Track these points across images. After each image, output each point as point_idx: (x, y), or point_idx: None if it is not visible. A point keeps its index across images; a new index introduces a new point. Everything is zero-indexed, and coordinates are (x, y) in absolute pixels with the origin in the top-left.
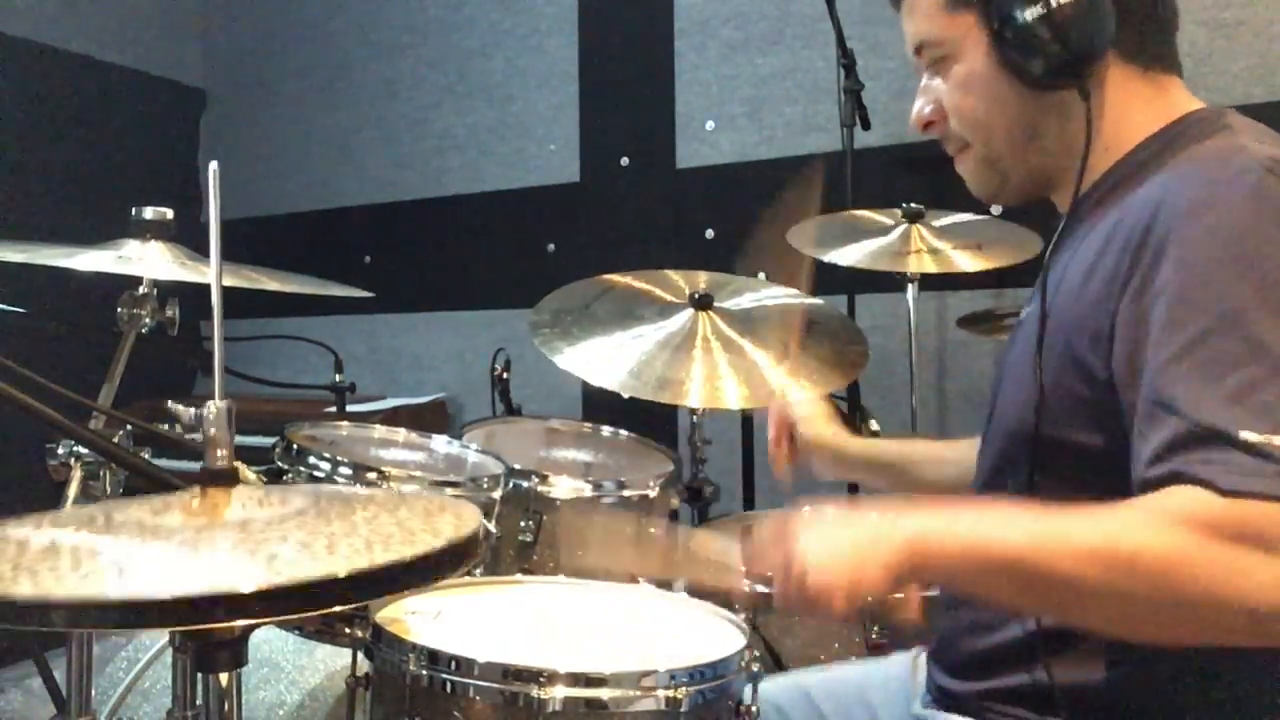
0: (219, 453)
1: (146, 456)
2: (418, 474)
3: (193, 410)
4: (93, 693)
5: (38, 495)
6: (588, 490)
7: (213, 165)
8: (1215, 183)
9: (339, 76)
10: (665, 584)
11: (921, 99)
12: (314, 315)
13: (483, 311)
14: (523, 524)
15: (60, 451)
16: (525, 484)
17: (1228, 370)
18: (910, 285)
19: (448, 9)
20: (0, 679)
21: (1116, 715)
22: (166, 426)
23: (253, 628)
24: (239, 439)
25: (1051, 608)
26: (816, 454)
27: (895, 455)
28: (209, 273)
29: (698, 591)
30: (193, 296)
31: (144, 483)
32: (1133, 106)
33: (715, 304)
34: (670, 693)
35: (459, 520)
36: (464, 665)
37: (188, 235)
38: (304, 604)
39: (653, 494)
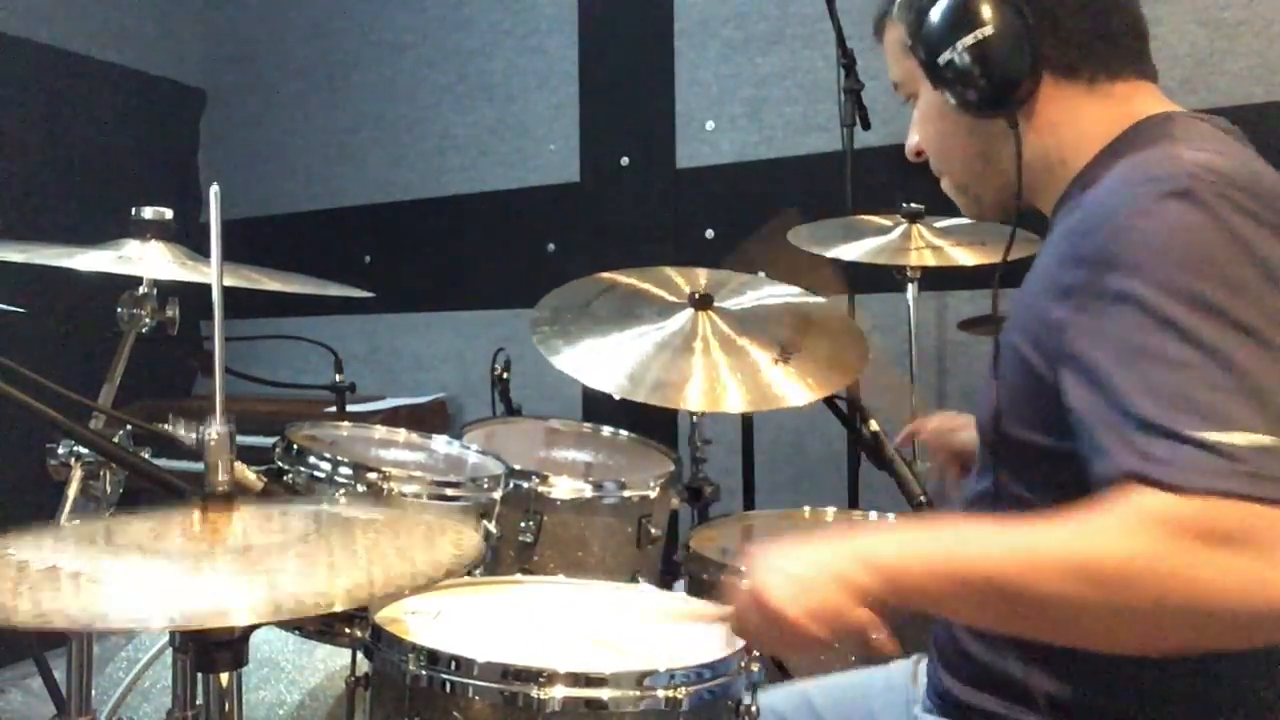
0: (220, 477)
1: (146, 456)
2: (418, 474)
3: (193, 435)
4: (93, 693)
5: (38, 495)
6: (588, 490)
7: (214, 189)
8: (1144, 191)
9: (339, 76)
10: (665, 584)
11: (911, 130)
12: (314, 315)
13: (483, 311)
14: (523, 524)
15: (60, 451)
16: (525, 484)
17: (1177, 370)
18: (910, 285)
19: (448, 9)
20: (0, 679)
21: (1119, 717)
22: (166, 426)
23: (253, 628)
24: (239, 439)
25: (1027, 623)
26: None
27: None
28: (209, 273)
29: (697, 591)
30: (193, 296)
31: (144, 482)
32: (1083, 121)
33: (715, 304)
34: (670, 693)
35: (459, 547)
36: (464, 665)
37: (188, 235)
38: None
39: (653, 494)
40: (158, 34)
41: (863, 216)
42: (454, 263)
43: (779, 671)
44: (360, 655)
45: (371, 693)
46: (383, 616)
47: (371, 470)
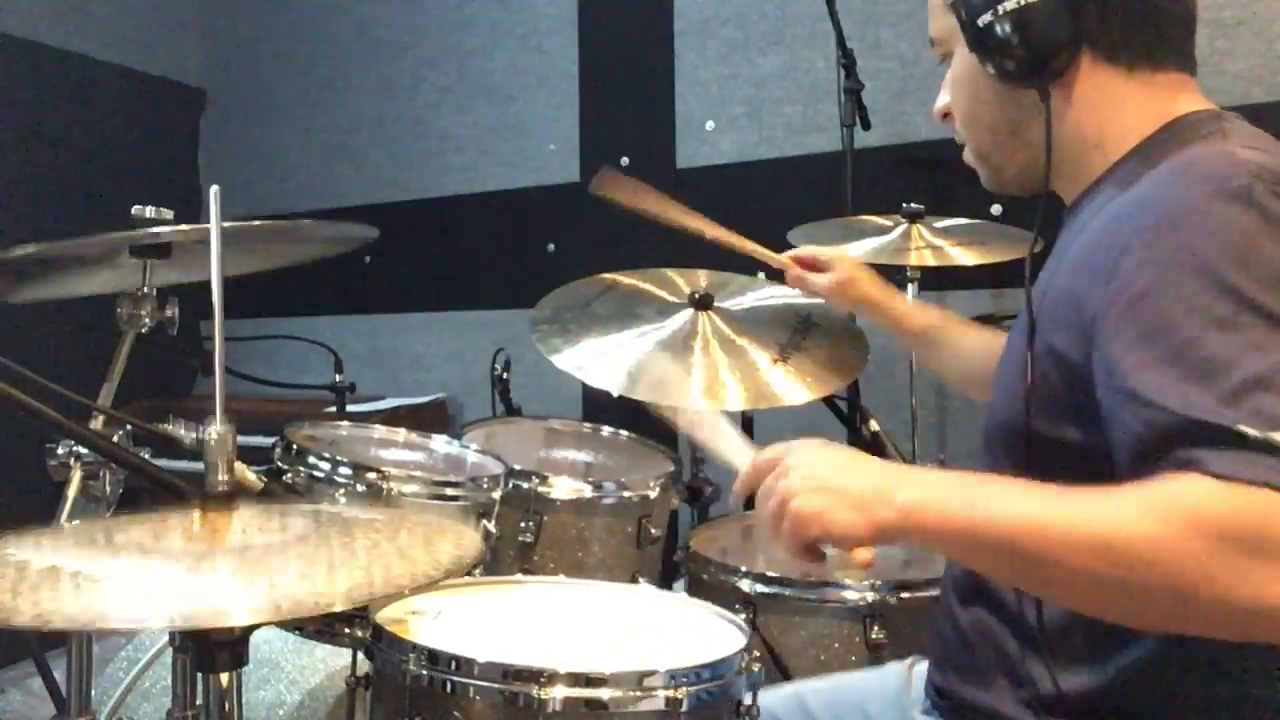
0: (220, 477)
1: (146, 456)
2: (417, 474)
3: (194, 434)
4: (93, 693)
5: (38, 495)
6: (588, 490)
7: (214, 189)
8: (1201, 189)
9: (339, 76)
10: (665, 584)
11: (942, 91)
12: (314, 315)
13: (483, 311)
14: (523, 524)
15: (60, 451)
16: (525, 484)
17: (1225, 371)
18: (910, 285)
19: (448, 9)
20: (0, 679)
21: (1121, 717)
22: (166, 426)
23: (253, 628)
24: (239, 439)
25: (1041, 587)
26: (868, 316)
27: (934, 331)
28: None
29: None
30: (193, 296)
31: (144, 482)
32: (1121, 108)
33: (715, 304)
34: (670, 693)
35: (459, 548)
36: (464, 665)
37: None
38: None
39: (653, 494)
40: (158, 34)
41: (863, 216)
42: (454, 263)
43: (777, 672)
44: (360, 655)
45: (372, 693)
46: (383, 616)
47: (371, 470)
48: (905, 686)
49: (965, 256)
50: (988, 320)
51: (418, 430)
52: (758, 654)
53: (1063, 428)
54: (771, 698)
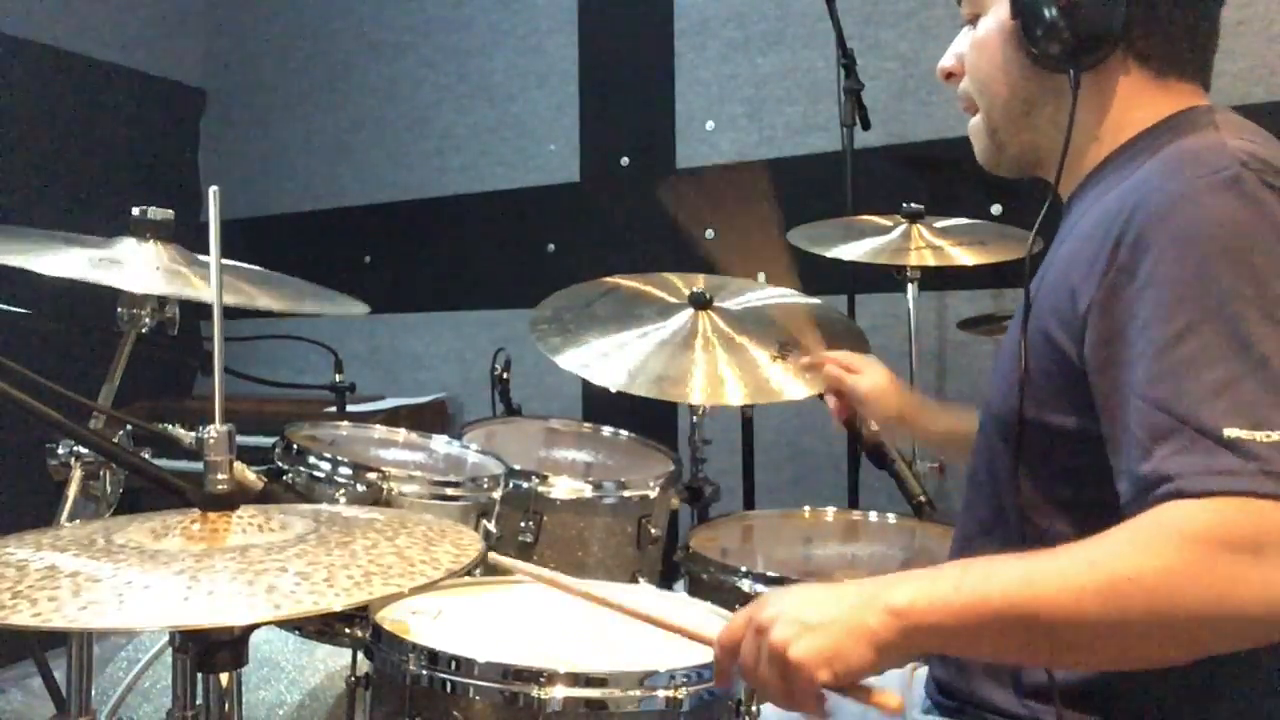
0: (219, 477)
1: (146, 456)
2: (417, 474)
3: (193, 435)
4: (93, 693)
5: (38, 495)
6: (588, 490)
7: (214, 189)
8: (1192, 179)
9: (339, 76)
10: (665, 584)
11: (951, 48)
12: (314, 316)
13: (483, 311)
14: (523, 524)
15: (60, 451)
16: (525, 484)
17: (1208, 365)
18: (910, 285)
19: (448, 9)
20: (0, 679)
21: (1123, 711)
22: (166, 426)
23: (253, 628)
24: (239, 439)
25: (1053, 651)
26: (896, 427)
27: (965, 429)
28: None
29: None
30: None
31: (144, 482)
32: (1132, 106)
33: (714, 304)
34: (670, 693)
35: (459, 547)
36: (464, 665)
37: (188, 235)
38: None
39: (653, 494)
40: (158, 34)
41: (863, 216)
42: (454, 263)
43: None
44: (360, 655)
45: (372, 693)
46: (383, 616)
47: (371, 470)
48: (905, 688)
49: (965, 256)
50: (988, 320)
51: (418, 430)
52: None
53: (1056, 415)
54: (770, 706)
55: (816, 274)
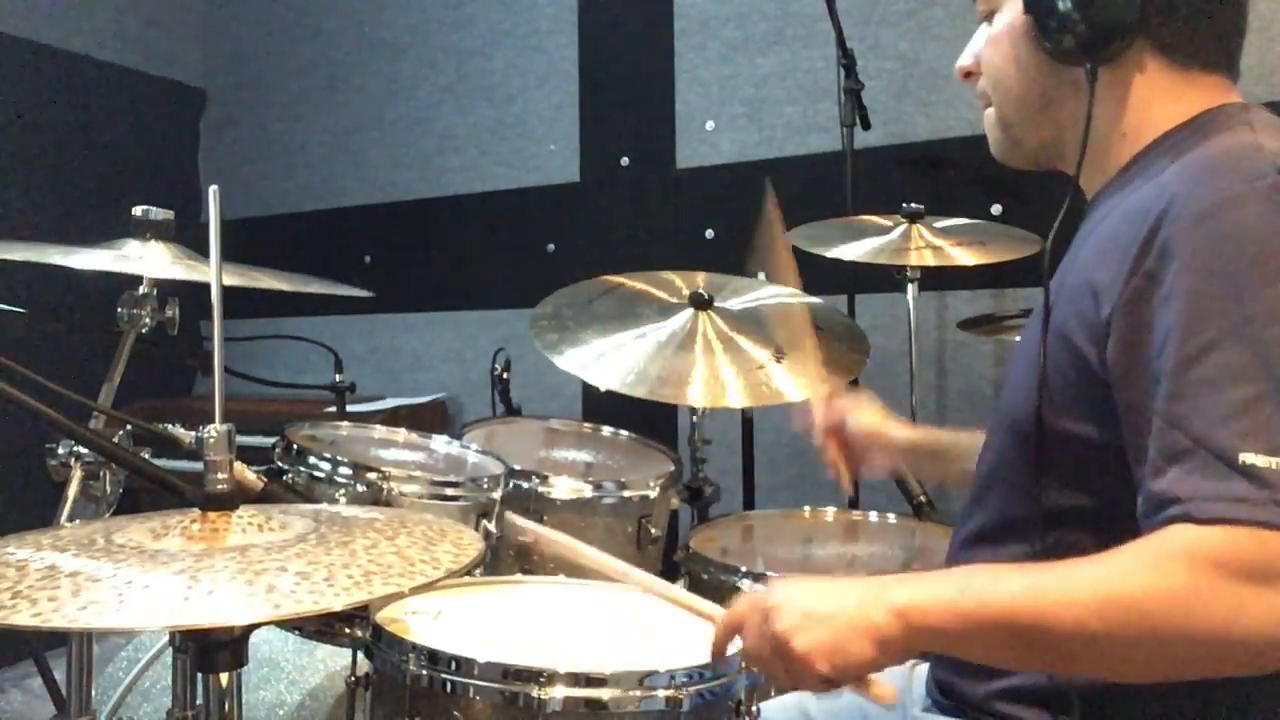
0: (219, 476)
1: (146, 456)
2: (418, 474)
3: (193, 434)
4: (93, 693)
5: (38, 495)
6: (588, 490)
7: (213, 189)
8: (1228, 185)
9: (339, 76)
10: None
11: (969, 47)
12: (314, 315)
13: (483, 311)
14: None
15: (60, 451)
16: (525, 484)
17: (1229, 385)
18: (910, 285)
19: (448, 9)
20: (0, 679)
21: (1126, 712)
22: (166, 426)
23: (253, 628)
24: (239, 439)
25: (1051, 660)
26: (871, 447)
27: (947, 443)
28: (209, 272)
29: (697, 591)
30: (193, 296)
31: (144, 482)
32: (1160, 99)
33: (715, 304)
34: (670, 693)
35: (459, 547)
36: (464, 665)
37: (188, 235)
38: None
39: (653, 494)
40: (158, 34)
41: (863, 216)
42: (454, 263)
43: None
44: (360, 655)
45: (372, 693)
46: (383, 616)
47: (371, 470)
48: (906, 688)
49: (965, 256)
50: (988, 320)
51: (418, 430)
52: None
53: (1072, 420)
54: (772, 701)
55: (816, 274)
